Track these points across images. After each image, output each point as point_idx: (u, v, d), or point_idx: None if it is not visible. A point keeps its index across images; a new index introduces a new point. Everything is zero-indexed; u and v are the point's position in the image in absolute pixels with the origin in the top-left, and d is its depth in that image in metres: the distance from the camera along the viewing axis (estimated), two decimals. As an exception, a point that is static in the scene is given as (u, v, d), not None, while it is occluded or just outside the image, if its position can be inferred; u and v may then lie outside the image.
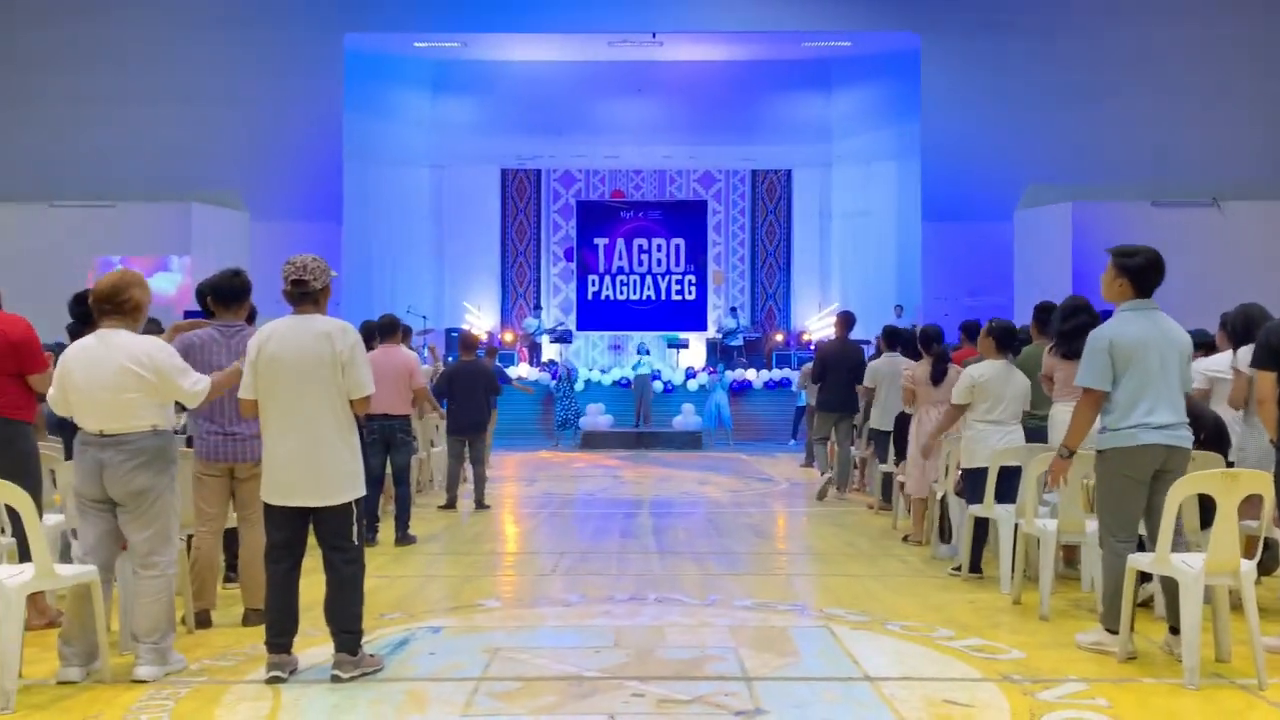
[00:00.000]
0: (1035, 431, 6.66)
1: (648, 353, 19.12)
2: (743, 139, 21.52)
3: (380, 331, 8.14)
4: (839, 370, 10.04)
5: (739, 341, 20.45)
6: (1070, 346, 5.67)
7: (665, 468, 14.21)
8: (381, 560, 7.12)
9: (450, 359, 12.83)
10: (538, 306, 21.68)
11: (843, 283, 21.76)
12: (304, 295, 4.39)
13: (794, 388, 17.49)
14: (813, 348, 16.35)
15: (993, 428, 6.39)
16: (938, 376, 7.63)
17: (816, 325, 20.65)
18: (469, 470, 10.51)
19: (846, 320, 10.45)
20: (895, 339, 9.41)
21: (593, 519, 9.48)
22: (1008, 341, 6.49)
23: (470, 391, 9.35)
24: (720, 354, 20.30)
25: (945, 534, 7.29)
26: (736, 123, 21.40)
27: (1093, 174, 17.97)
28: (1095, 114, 18.19)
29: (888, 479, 9.14)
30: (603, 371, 19.70)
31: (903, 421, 8.04)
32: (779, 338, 21.00)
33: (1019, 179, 18.13)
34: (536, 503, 10.64)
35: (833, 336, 10.98)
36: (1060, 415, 6.05)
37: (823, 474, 10.42)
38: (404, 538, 8.02)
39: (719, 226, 22.36)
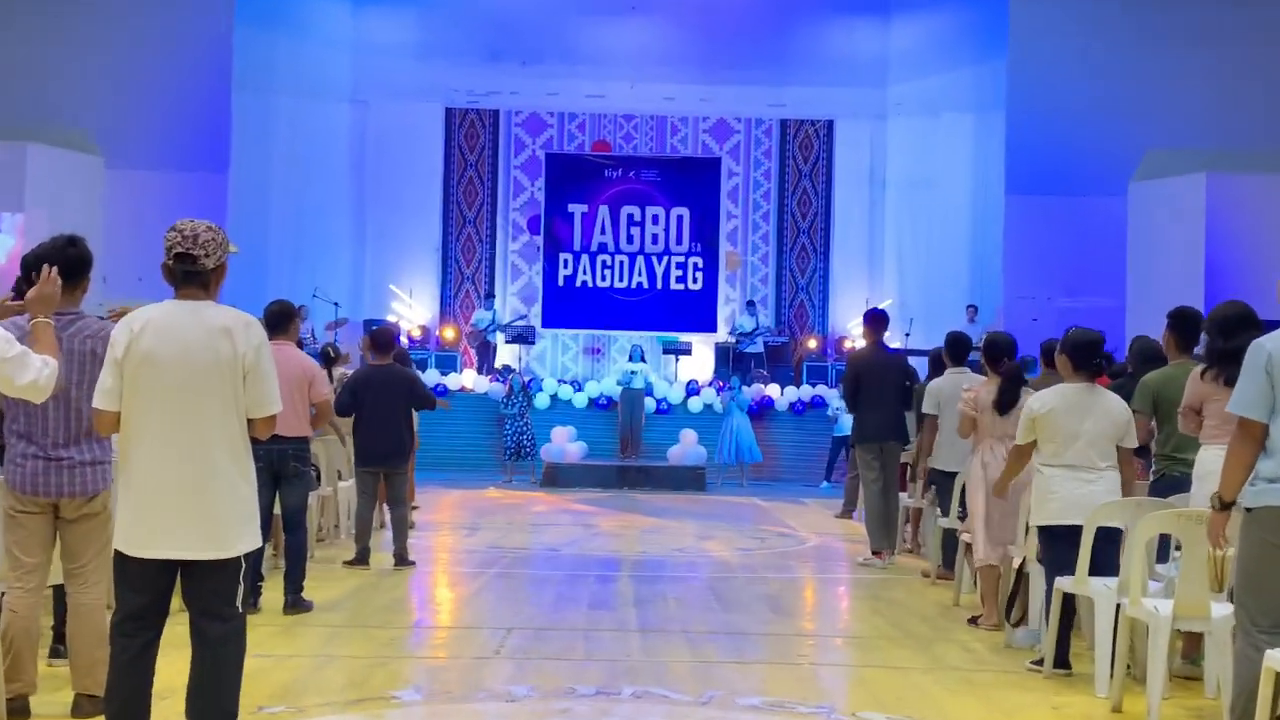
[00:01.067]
0: (1179, 482, 6.70)
1: (642, 359, 19.22)
2: (771, 77, 21.80)
3: (269, 323, 8.05)
4: (878, 386, 10.16)
5: (758, 347, 20.62)
6: (1231, 371, 5.39)
7: (655, 516, 14.29)
8: (264, 633, 7.07)
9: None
10: (490, 294, 21.72)
11: (899, 273, 22.07)
12: (191, 275, 4.35)
13: (829, 412, 17.76)
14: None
15: (1067, 474, 6.43)
16: (1006, 402, 7.71)
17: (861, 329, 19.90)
18: (386, 514, 10.58)
19: (877, 322, 10.62)
20: (962, 350, 9.44)
21: (554, 583, 9.59)
22: (1086, 360, 6.51)
23: (385, 407, 9.30)
24: (734, 364, 20.36)
25: (1023, 614, 7.33)
26: (763, 55, 21.64)
27: (1233, 136, 18.15)
28: (1237, 59, 18.43)
29: (950, 538, 9.18)
30: (575, 386, 19.85)
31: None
32: (811, 344, 21.14)
33: (1135, 141, 18.31)
34: (478, 559, 10.78)
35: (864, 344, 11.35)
36: (1211, 462, 5.96)
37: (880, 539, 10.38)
38: (296, 603, 8.04)
39: (736, 193, 22.56)
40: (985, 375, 8.16)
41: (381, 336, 9.81)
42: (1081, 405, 6.46)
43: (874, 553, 10.34)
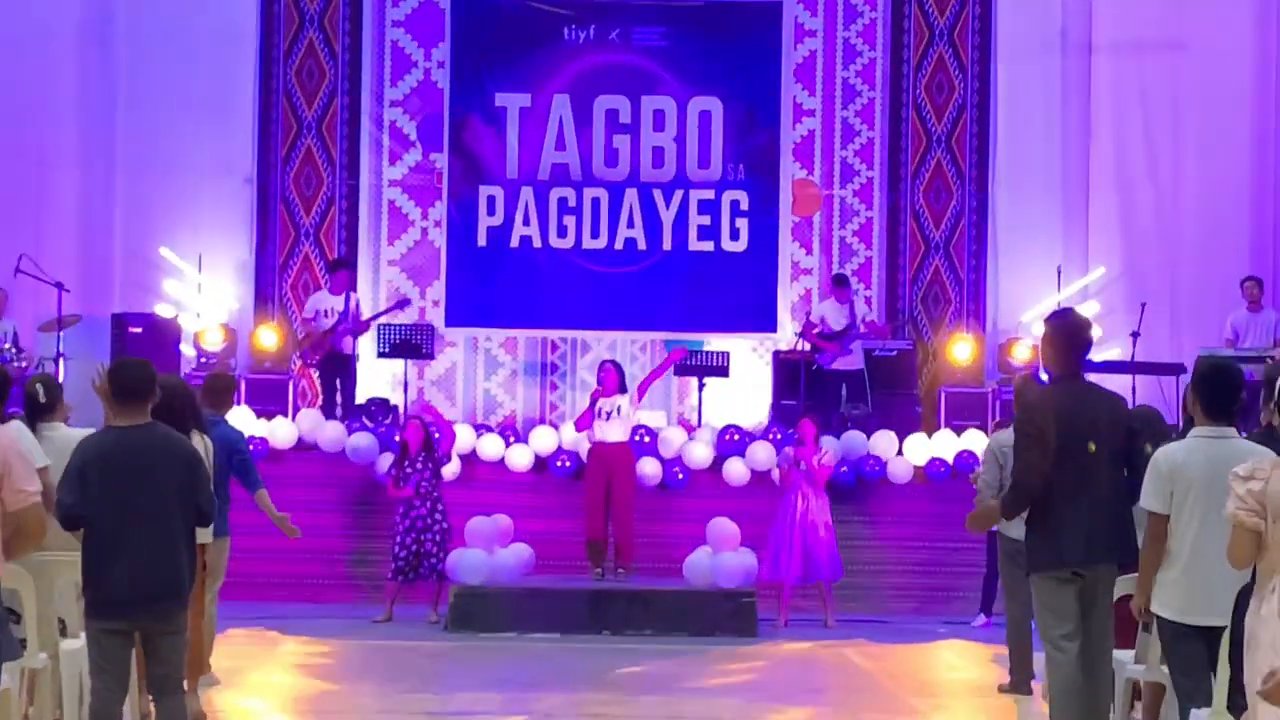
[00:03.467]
0: None
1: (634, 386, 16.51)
2: None
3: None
4: (1075, 460, 7.94)
5: (854, 361, 17.11)
6: None
7: (661, 691, 11.81)
8: None
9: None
10: (342, 263, 17.64)
11: (1117, 220, 18.44)
12: None
13: (972, 477, 14.22)
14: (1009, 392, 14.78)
15: None
16: None
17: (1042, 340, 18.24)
18: (149, 705, 8.98)
19: (1069, 332, 8.28)
20: (1227, 390, 7.37)
21: None
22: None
23: (145, 509, 7.61)
24: (809, 392, 17.17)
25: None
26: None
27: None
28: None
29: None
30: (509, 438, 16.73)
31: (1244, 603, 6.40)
32: (959, 354, 17.74)
33: None
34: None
35: (1039, 371, 11.77)
36: None
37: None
38: None
39: (811, 69, 18.63)
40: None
41: (132, 373, 7.77)
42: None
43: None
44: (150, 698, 8.34)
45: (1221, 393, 6.68)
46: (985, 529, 8.61)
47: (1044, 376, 14.08)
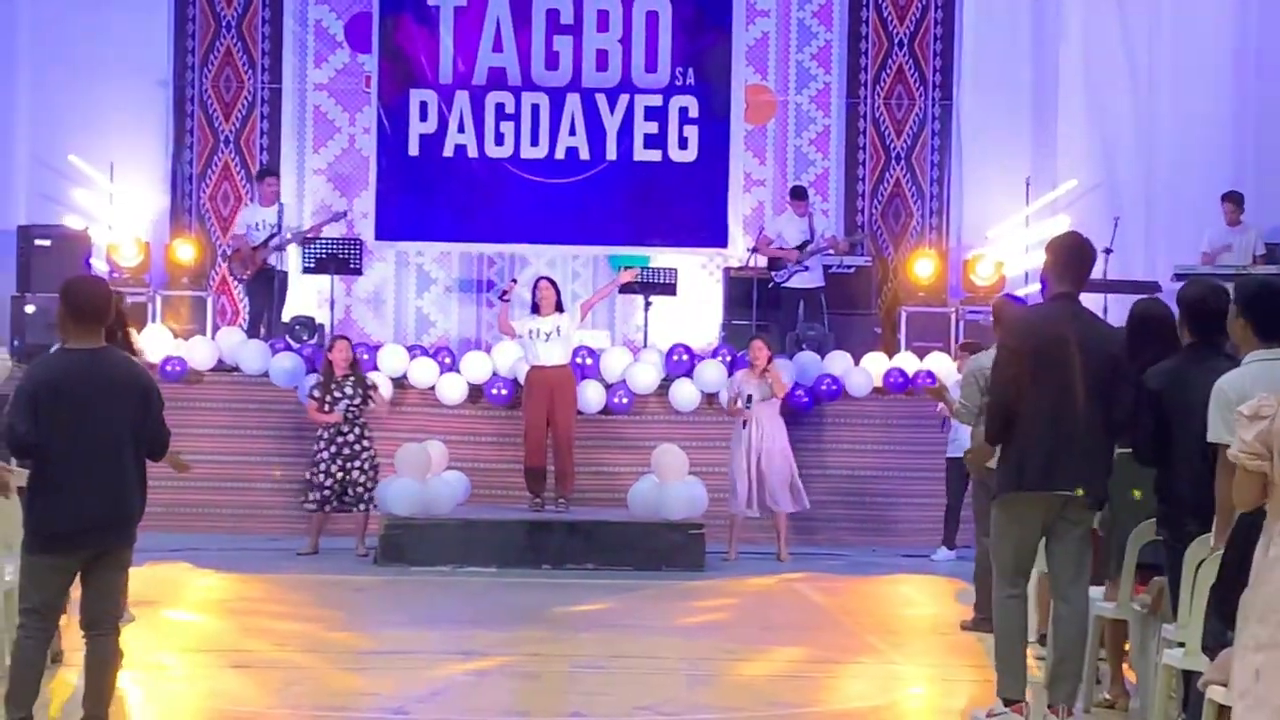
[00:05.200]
0: None
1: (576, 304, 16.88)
2: None
3: None
4: (1059, 387, 8.08)
5: (812, 279, 17.21)
6: None
7: (603, 628, 11.78)
8: None
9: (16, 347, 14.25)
10: (269, 171, 17.68)
11: (1088, 126, 18.51)
12: None
13: (937, 411, 14.89)
14: (989, 315, 13.61)
15: None
16: None
17: (1032, 240, 17.88)
18: (68, 641, 9.27)
19: (1069, 251, 8.27)
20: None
21: None
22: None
23: (98, 435, 7.67)
24: (762, 311, 17.39)
25: None
26: None
27: None
28: None
29: (1193, 687, 7.30)
30: (442, 360, 16.54)
31: (1247, 541, 6.31)
32: (920, 269, 17.78)
33: None
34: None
35: (1037, 294, 11.25)
36: None
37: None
38: None
39: None
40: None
41: (87, 292, 7.81)
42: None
43: (1008, 703, 8.24)
44: (85, 633, 8.00)
45: (1275, 313, 6.67)
46: (985, 463, 8.67)
47: (1021, 294, 14.44)
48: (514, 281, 15.33)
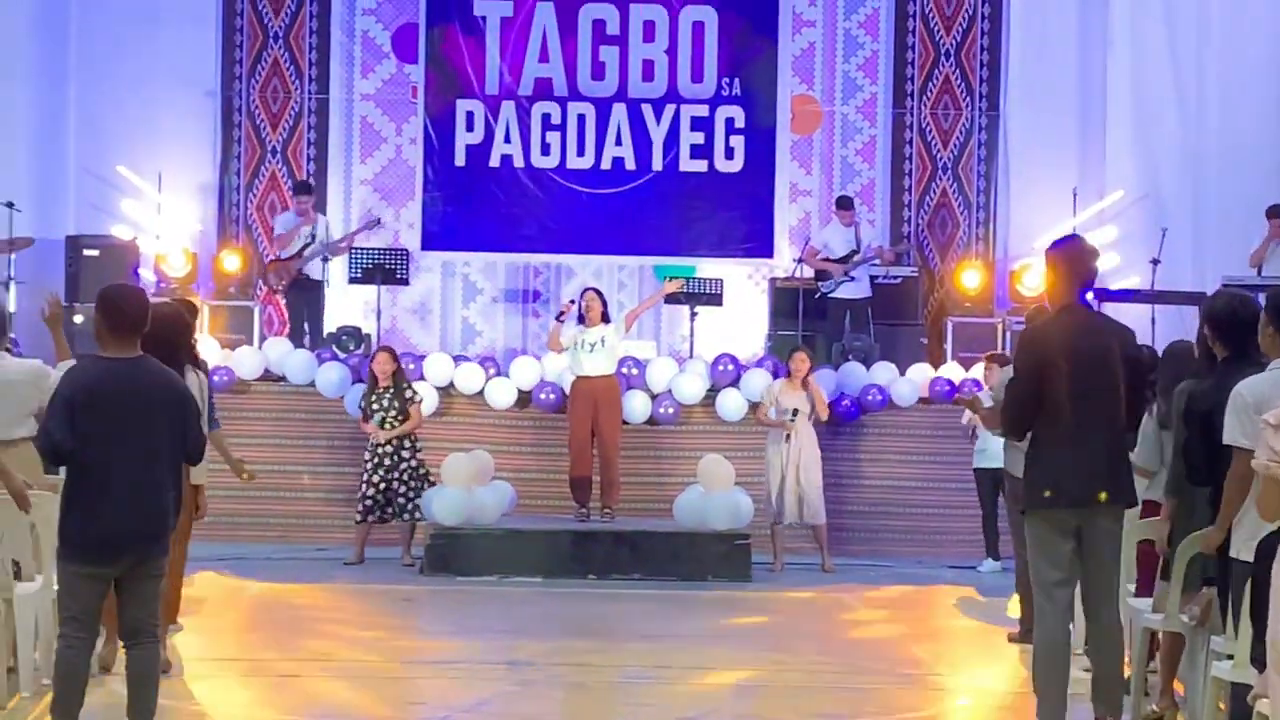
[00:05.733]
0: None
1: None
2: None
3: None
4: (1078, 392, 8.06)
5: (859, 289, 17.26)
6: None
7: (649, 639, 11.65)
8: None
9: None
10: (307, 185, 17.54)
11: (1143, 141, 18.43)
12: None
13: (964, 421, 15.22)
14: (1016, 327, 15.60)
15: None
16: None
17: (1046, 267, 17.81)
18: (109, 653, 9.23)
19: (1069, 260, 8.32)
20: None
21: None
22: None
23: (133, 446, 7.58)
24: (808, 322, 17.35)
25: None
26: None
27: None
28: None
29: (1240, 701, 7.37)
30: (489, 369, 16.42)
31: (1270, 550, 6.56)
32: (966, 281, 17.78)
33: None
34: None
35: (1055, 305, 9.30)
36: None
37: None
38: None
39: None
40: None
41: (125, 300, 7.70)
42: None
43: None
44: (114, 646, 8.41)
45: None
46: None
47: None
48: (572, 303, 15.38)
